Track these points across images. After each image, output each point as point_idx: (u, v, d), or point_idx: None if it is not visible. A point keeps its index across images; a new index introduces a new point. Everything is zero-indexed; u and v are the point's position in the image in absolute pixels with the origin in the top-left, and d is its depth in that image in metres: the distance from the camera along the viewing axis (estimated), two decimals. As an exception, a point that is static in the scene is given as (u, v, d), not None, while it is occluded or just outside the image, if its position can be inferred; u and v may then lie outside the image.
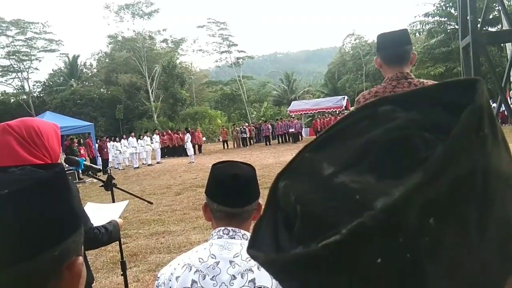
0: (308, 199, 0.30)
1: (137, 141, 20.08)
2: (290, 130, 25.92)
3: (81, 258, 0.61)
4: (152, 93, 42.03)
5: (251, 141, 27.58)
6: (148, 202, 3.04)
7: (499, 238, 0.28)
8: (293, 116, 28.62)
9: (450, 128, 0.26)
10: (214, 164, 1.39)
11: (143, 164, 19.74)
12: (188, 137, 20.30)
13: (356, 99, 2.30)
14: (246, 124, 30.74)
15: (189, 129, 24.19)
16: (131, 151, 19.73)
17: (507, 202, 0.28)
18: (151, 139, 21.09)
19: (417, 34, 33.26)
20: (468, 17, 3.15)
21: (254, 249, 0.32)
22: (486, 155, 0.27)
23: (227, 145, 26.60)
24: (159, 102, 42.21)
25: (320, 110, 28.48)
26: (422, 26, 32.11)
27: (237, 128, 27.16)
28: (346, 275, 0.26)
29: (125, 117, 42.28)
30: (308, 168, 0.33)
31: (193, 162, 18.02)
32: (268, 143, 25.98)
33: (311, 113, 30.54)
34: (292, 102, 32.13)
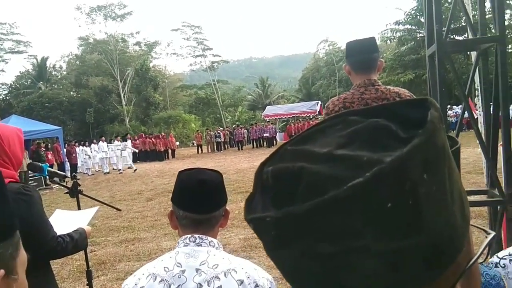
0: (314, 166, 0.34)
1: (107, 145, 19.63)
2: (264, 135, 26.02)
3: (2, 271, 0.58)
4: (124, 97, 41.27)
5: (226, 145, 27.49)
6: (116, 209, 2.96)
7: (459, 200, 0.37)
8: (267, 120, 28.77)
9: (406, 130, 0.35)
10: (180, 171, 1.37)
11: (113, 169, 19.32)
12: (124, 145, 18.94)
13: (326, 105, 2.32)
14: (221, 128, 30.62)
15: (127, 136, 21.50)
16: (101, 156, 19.23)
17: (456, 174, 0.37)
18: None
19: (388, 41, 34.08)
20: (434, 26, 3.26)
21: (253, 213, 0.37)
22: (445, 139, 0.36)
23: (201, 150, 26.40)
24: (131, 106, 41.41)
25: (294, 115, 28.74)
26: (393, 34, 32.86)
27: (211, 133, 27.01)
28: (360, 217, 0.32)
29: (95, 121, 41.23)
30: (296, 154, 0.38)
31: (122, 171, 17.50)
32: (240, 147, 25.95)
33: (285, 117, 30.78)
34: (267, 107, 32.30)
